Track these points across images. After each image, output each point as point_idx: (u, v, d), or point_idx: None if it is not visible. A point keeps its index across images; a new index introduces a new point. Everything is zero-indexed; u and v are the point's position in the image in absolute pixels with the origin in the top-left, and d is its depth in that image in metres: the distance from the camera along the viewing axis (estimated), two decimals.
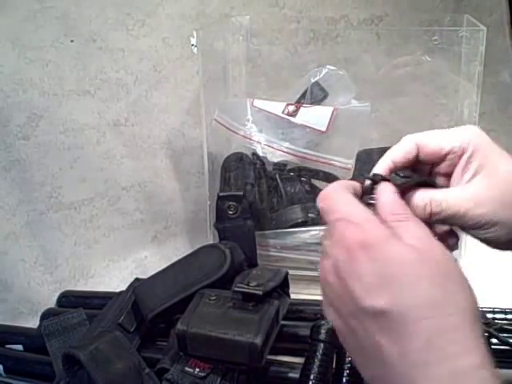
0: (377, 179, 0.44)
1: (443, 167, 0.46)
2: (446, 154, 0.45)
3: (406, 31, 0.84)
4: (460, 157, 0.44)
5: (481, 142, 0.44)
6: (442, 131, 0.46)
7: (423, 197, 0.44)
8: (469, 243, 0.80)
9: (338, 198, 0.41)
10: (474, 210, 0.42)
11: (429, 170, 0.48)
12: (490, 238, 0.43)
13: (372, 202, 0.43)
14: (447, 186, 0.46)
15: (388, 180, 0.44)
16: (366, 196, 0.44)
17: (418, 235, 0.38)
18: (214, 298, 0.62)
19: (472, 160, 0.44)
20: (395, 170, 0.46)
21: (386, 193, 0.42)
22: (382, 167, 0.46)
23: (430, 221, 0.43)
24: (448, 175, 0.46)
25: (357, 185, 0.45)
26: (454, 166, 0.45)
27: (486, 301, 0.67)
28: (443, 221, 0.44)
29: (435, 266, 0.36)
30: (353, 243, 0.37)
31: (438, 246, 0.37)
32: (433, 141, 0.46)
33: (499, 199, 0.42)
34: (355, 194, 0.43)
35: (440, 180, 0.47)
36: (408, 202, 0.43)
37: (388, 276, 0.35)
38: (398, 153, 0.47)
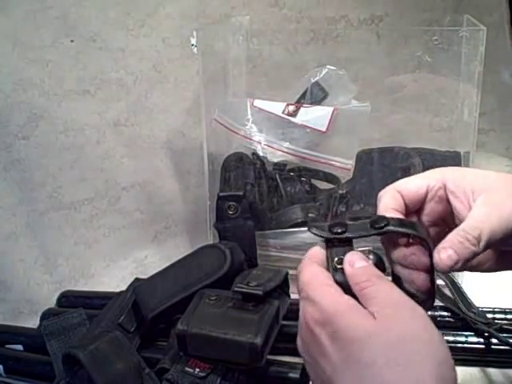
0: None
1: (432, 208, 0.46)
2: (426, 192, 0.45)
3: (406, 31, 0.84)
4: (444, 189, 0.44)
5: (451, 168, 0.46)
6: (417, 175, 0.47)
7: (455, 233, 0.42)
8: None
9: (304, 275, 0.42)
10: (503, 214, 0.41)
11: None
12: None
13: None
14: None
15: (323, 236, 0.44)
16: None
17: (381, 299, 0.38)
18: (214, 298, 0.62)
19: (462, 184, 0.44)
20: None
21: (348, 263, 0.41)
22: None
23: (480, 250, 0.41)
24: (440, 218, 0.46)
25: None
26: (445, 204, 0.45)
27: (486, 301, 0.68)
28: (488, 245, 0.41)
29: (393, 340, 0.35)
30: (310, 322, 0.39)
31: (400, 312, 0.37)
32: (410, 182, 0.46)
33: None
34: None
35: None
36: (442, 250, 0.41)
37: (347, 354, 0.36)
38: (389, 204, 0.45)
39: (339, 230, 0.43)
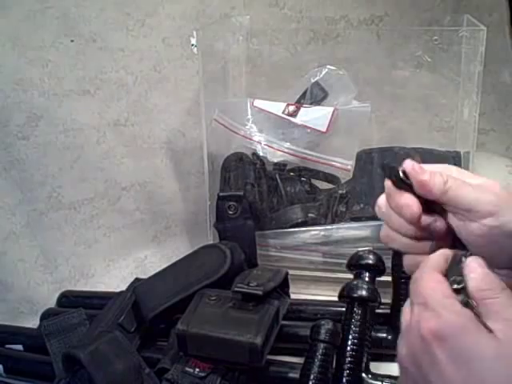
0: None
1: None
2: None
3: (406, 31, 0.84)
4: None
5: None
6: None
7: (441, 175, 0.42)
8: None
9: (422, 280, 0.39)
10: (483, 197, 0.41)
11: None
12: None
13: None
14: None
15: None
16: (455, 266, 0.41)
17: (506, 316, 0.35)
18: (214, 298, 0.62)
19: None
20: None
21: (474, 268, 0.39)
22: None
23: (445, 198, 0.41)
24: None
25: (448, 255, 0.42)
26: None
27: None
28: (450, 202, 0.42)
29: None
30: (427, 333, 0.36)
31: None
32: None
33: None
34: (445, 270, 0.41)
35: None
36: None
37: (468, 375, 0.33)
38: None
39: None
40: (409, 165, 0.43)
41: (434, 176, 0.42)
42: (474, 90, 0.74)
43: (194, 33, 0.75)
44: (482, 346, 0.34)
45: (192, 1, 0.90)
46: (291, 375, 0.61)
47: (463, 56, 0.77)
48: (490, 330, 0.35)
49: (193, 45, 0.76)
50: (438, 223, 0.43)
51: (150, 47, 0.89)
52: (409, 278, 0.59)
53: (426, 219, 0.43)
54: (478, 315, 0.36)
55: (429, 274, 0.40)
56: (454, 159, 0.80)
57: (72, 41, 0.84)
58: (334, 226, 0.79)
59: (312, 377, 0.56)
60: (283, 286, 0.67)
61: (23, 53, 0.81)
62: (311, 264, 0.82)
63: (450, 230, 0.43)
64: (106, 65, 0.87)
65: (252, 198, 0.81)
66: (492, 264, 0.40)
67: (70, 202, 0.89)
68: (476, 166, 0.78)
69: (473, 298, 0.37)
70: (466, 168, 0.78)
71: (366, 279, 0.63)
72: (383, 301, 0.62)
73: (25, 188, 0.84)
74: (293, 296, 0.70)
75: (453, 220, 0.43)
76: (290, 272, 0.69)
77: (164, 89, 0.92)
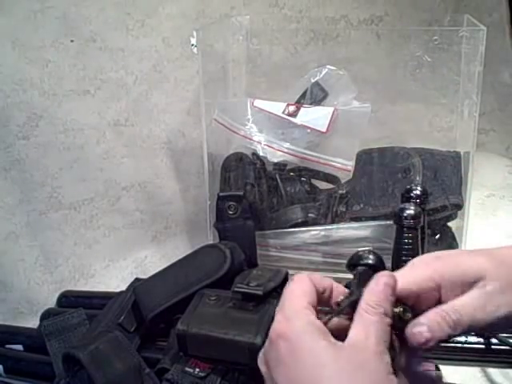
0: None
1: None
2: (418, 293, 0.43)
3: (406, 31, 0.84)
4: (438, 290, 0.43)
5: (444, 260, 0.44)
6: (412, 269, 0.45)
7: (436, 311, 0.42)
8: (468, 243, 0.80)
9: (288, 292, 0.44)
10: (490, 305, 0.41)
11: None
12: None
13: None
14: None
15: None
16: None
17: (364, 333, 0.38)
18: (214, 298, 0.62)
19: (456, 279, 0.43)
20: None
21: (379, 282, 0.42)
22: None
23: (456, 334, 0.41)
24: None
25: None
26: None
27: None
28: (468, 329, 0.42)
29: (351, 367, 0.37)
30: (276, 334, 0.40)
31: (373, 348, 0.38)
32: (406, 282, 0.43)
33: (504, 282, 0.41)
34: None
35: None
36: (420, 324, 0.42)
37: (303, 371, 0.37)
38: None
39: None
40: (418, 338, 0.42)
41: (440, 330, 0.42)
42: (474, 90, 0.74)
43: (194, 33, 0.75)
44: (319, 349, 0.38)
45: (192, 1, 0.90)
46: None
47: (463, 56, 0.77)
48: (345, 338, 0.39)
49: (193, 45, 0.76)
50: None
51: (150, 47, 0.89)
52: None
53: None
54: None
55: (295, 287, 0.44)
56: (454, 159, 0.80)
57: (72, 41, 0.84)
58: (334, 226, 0.79)
59: None
60: (283, 286, 0.66)
61: (23, 53, 0.81)
62: (311, 264, 0.82)
63: None
64: (105, 65, 0.87)
65: (252, 198, 0.81)
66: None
67: (70, 202, 0.89)
68: (476, 165, 0.78)
69: (359, 305, 0.40)
70: (466, 168, 0.78)
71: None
72: None
73: (25, 188, 0.84)
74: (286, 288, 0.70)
75: None
76: (290, 272, 0.69)
77: (164, 89, 0.92)
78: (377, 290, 0.41)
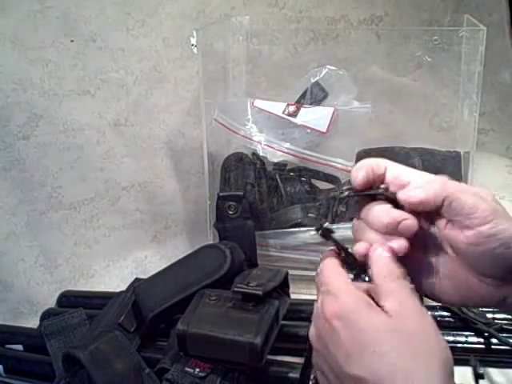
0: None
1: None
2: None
3: (406, 31, 0.84)
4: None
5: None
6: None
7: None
8: None
9: (326, 272, 0.45)
10: (478, 204, 0.41)
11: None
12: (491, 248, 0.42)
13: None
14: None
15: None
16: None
17: (399, 299, 0.40)
18: (214, 298, 0.62)
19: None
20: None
21: (378, 257, 0.43)
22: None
23: (441, 205, 0.42)
24: None
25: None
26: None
27: None
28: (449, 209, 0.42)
29: (406, 335, 0.38)
30: (330, 314, 0.41)
31: (413, 311, 0.39)
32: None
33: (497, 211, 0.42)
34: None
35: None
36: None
37: (363, 345, 0.38)
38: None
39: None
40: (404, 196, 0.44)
41: (429, 188, 0.43)
42: (474, 90, 0.74)
43: (194, 33, 0.75)
44: (373, 321, 0.39)
45: (192, 1, 0.90)
46: (291, 375, 0.61)
47: (463, 56, 0.77)
48: (384, 309, 0.40)
49: (193, 45, 0.76)
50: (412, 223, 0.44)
51: (150, 47, 0.89)
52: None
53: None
54: (373, 297, 0.41)
55: (329, 266, 0.45)
56: (454, 159, 0.80)
57: (72, 41, 0.84)
58: (334, 226, 0.79)
59: (312, 377, 0.55)
60: (283, 286, 0.67)
61: (23, 53, 0.81)
62: (311, 264, 0.81)
63: (421, 231, 0.45)
64: (106, 65, 0.87)
65: (252, 198, 0.80)
66: (478, 271, 0.42)
67: (70, 202, 0.89)
68: (476, 165, 0.78)
69: (373, 280, 0.42)
70: (466, 168, 0.78)
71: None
72: None
73: (25, 188, 0.84)
74: (293, 296, 0.70)
75: (443, 227, 0.44)
76: (290, 272, 0.69)
77: (164, 89, 0.92)
78: (384, 261, 0.43)
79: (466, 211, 0.42)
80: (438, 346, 0.38)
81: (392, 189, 0.45)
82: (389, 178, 0.45)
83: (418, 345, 0.38)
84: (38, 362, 0.71)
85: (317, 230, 0.46)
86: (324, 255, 0.46)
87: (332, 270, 0.44)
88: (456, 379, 0.60)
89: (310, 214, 0.81)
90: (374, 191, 0.45)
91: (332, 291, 0.42)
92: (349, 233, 0.68)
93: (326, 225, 0.46)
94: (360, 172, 0.45)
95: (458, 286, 0.44)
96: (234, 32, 0.89)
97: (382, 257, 0.43)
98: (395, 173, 0.45)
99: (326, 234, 0.46)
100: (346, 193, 0.47)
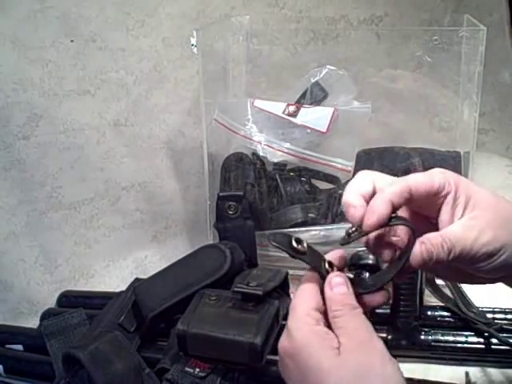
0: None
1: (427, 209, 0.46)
2: (436, 193, 0.44)
3: (406, 31, 0.84)
4: (445, 197, 0.44)
5: (457, 177, 0.45)
6: (420, 173, 0.45)
7: (435, 236, 0.43)
8: None
9: (294, 301, 0.45)
10: (480, 239, 0.42)
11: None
12: (491, 270, 0.44)
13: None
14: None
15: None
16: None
17: (349, 332, 0.41)
18: (214, 298, 0.62)
19: (458, 196, 0.44)
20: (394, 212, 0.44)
21: (329, 285, 0.44)
22: (381, 209, 0.43)
23: (447, 261, 0.43)
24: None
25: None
26: (437, 208, 0.44)
27: (485, 301, 0.68)
28: (455, 259, 0.43)
29: (350, 372, 0.39)
30: (283, 352, 0.42)
31: (362, 343, 0.40)
32: (421, 178, 0.44)
33: (497, 222, 0.43)
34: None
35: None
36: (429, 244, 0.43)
37: (308, 380, 0.40)
38: (395, 193, 0.43)
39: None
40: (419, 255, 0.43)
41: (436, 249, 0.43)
42: (474, 90, 0.74)
43: (194, 33, 0.75)
44: (319, 358, 0.40)
45: (192, 1, 0.90)
46: None
47: (463, 56, 0.77)
48: (338, 342, 0.41)
49: (193, 45, 0.76)
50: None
51: (150, 47, 0.89)
52: (408, 277, 0.59)
53: None
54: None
55: (299, 293, 0.45)
56: (454, 159, 0.80)
57: (72, 41, 0.84)
58: (334, 226, 0.79)
59: None
60: (283, 286, 0.67)
61: (23, 53, 0.81)
62: None
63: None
64: (106, 65, 0.87)
65: (252, 198, 0.80)
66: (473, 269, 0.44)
67: (70, 202, 0.89)
68: (476, 165, 0.78)
69: (328, 313, 0.43)
70: (466, 168, 0.78)
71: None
72: None
73: (25, 188, 0.84)
74: (293, 296, 0.69)
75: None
76: (290, 272, 0.69)
77: (164, 89, 0.92)
78: (334, 297, 0.43)
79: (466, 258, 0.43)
80: (382, 375, 0.39)
81: None
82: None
83: (361, 379, 0.38)
84: (38, 362, 0.71)
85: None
86: (303, 279, 0.46)
87: (299, 298, 0.44)
88: (456, 379, 0.60)
89: (310, 214, 0.81)
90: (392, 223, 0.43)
91: (288, 326, 0.43)
92: None
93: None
94: (358, 211, 0.43)
95: (456, 274, 0.46)
96: (234, 32, 0.89)
97: (334, 291, 0.43)
98: (381, 187, 0.45)
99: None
100: (356, 233, 0.44)
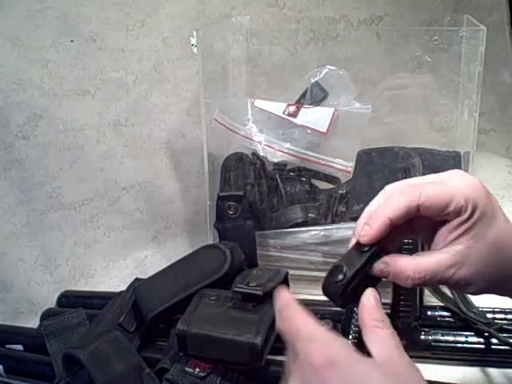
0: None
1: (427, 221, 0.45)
2: (447, 214, 0.43)
3: (406, 31, 0.84)
4: (456, 216, 0.43)
5: (479, 203, 0.42)
6: (442, 187, 0.43)
7: (406, 265, 0.43)
8: None
9: (298, 317, 0.41)
10: (457, 274, 0.42)
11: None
12: (469, 293, 0.45)
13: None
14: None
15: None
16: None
17: (388, 347, 0.39)
18: (214, 298, 0.62)
19: (465, 222, 0.42)
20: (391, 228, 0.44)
21: (370, 297, 0.43)
22: (378, 225, 0.43)
23: (412, 287, 0.44)
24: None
25: None
26: (445, 219, 0.44)
27: (486, 301, 0.68)
28: (424, 285, 0.44)
29: (401, 379, 0.37)
30: (320, 363, 0.37)
31: (402, 359, 0.38)
32: (437, 195, 0.43)
33: (483, 261, 0.43)
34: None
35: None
36: (391, 267, 0.44)
37: None
38: (399, 210, 0.43)
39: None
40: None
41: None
42: (474, 89, 0.74)
43: (194, 33, 0.75)
44: (365, 368, 0.37)
45: (192, 1, 0.90)
46: None
47: (463, 56, 0.77)
48: (369, 355, 0.38)
49: (193, 45, 0.76)
50: None
51: (150, 47, 0.89)
52: None
53: None
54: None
55: (297, 310, 0.41)
56: (454, 159, 0.80)
57: (72, 41, 0.84)
58: (334, 226, 0.79)
59: None
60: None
61: (23, 53, 0.81)
62: (311, 264, 0.81)
63: None
64: (105, 65, 0.87)
65: (252, 198, 0.80)
66: None
67: (70, 202, 0.89)
68: (476, 165, 0.78)
69: (363, 324, 0.41)
70: (466, 168, 0.78)
71: None
72: (383, 301, 0.62)
73: (25, 188, 0.84)
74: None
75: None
76: (290, 272, 0.69)
77: (164, 89, 0.92)
78: (373, 306, 0.43)
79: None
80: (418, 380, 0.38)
81: None
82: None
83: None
84: (38, 362, 0.71)
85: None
86: (281, 297, 0.43)
87: (303, 317, 0.41)
88: (456, 379, 0.60)
89: (310, 214, 0.81)
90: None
91: (318, 338, 0.39)
92: (349, 233, 0.68)
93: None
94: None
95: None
96: (234, 32, 0.89)
97: (368, 302, 0.43)
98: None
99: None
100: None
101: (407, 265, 0.43)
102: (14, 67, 0.80)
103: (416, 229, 0.47)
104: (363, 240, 0.44)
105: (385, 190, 0.47)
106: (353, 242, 0.46)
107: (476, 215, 0.42)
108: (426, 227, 0.46)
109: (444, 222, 0.44)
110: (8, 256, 0.83)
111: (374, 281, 0.45)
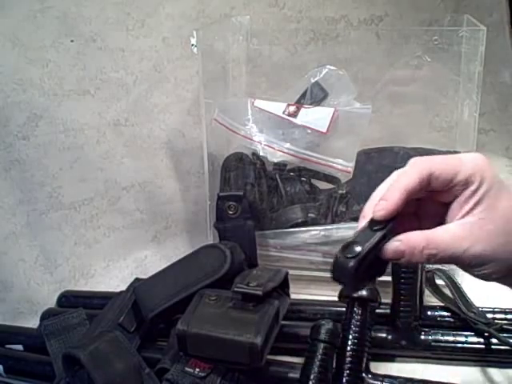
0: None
1: (441, 196, 0.45)
2: (455, 184, 0.43)
3: (406, 31, 0.84)
4: (464, 188, 0.43)
5: (486, 175, 0.43)
6: (450, 157, 0.44)
7: (420, 240, 0.43)
8: None
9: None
10: (471, 249, 0.42)
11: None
12: (483, 275, 0.44)
13: None
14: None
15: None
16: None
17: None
18: (213, 298, 0.62)
19: (475, 193, 0.43)
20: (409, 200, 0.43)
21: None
22: (395, 198, 0.43)
23: (428, 263, 0.43)
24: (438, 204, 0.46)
25: None
26: (454, 196, 0.44)
27: (485, 301, 0.68)
28: (439, 262, 0.43)
29: None
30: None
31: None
32: (446, 165, 0.43)
33: (496, 236, 0.42)
34: None
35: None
36: (405, 244, 0.43)
37: None
38: (412, 180, 0.43)
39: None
40: None
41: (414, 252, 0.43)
42: (474, 89, 0.74)
43: (194, 33, 0.75)
44: None
45: (192, 1, 0.90)
46: (291, 375, 0.61)
47: (463, 56, 0.77)
48: None
49: (193, 45, 0.76)
50: None
51: (150, 47, 0.89)
52: (408, 277, 0.60)
53: None
54: None
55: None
56: None
57: (72, 41, 0.84)
58: (334, 226, 0.79)
59: (312, 377, 0.56)
60: (283, 286, 0.67)
61: (23, 53, 0.81)
62: (311, 264, 0.81)
63: None
64: (106, 65, 0.87)
65: (252, 198, 0.80)
66: None
67: (70, 202, 0.89)
68: None
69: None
70: None
71: None
72: (383, 301, 0.62)
73: (25, 188, 0.84)
74: (293, 296, 0.70)
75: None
76: (290, 272, 0.69)
77: (164, 89, 0.92)
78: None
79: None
80: None
81: None
82: None
83: None
84: (38, 362, 0.71)
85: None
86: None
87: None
88: (456, 379, 0.60)
89: (310, 214, 0.81)
90: None
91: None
92: (349, 233, 0.68)
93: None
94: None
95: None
96: (234, 32, 0.89)
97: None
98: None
99: None
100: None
101: (421, 239, 0.42)
102: (14, 67, 0.81)
103: (422, 217, 0.47)
104: (379, 215, 0.43)
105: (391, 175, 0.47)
106: (362, 223, 0.44)
107: (484, 186, 0.42)
108: (432, 216, 0.46)
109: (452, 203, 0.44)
110: (8, 256, 0.83)
111: (383, 267, 0.45)
